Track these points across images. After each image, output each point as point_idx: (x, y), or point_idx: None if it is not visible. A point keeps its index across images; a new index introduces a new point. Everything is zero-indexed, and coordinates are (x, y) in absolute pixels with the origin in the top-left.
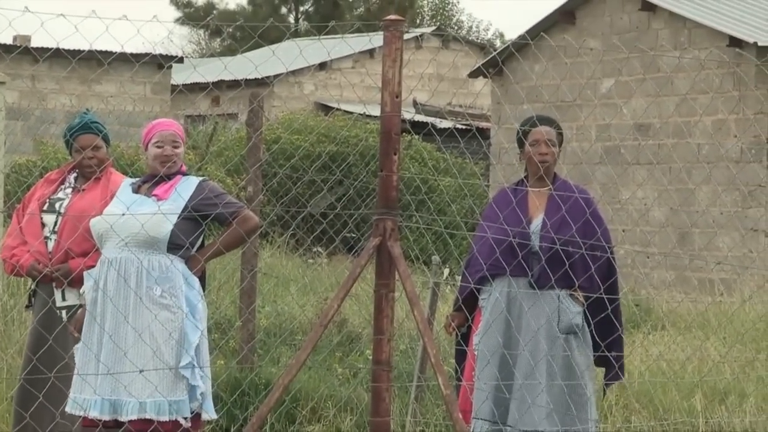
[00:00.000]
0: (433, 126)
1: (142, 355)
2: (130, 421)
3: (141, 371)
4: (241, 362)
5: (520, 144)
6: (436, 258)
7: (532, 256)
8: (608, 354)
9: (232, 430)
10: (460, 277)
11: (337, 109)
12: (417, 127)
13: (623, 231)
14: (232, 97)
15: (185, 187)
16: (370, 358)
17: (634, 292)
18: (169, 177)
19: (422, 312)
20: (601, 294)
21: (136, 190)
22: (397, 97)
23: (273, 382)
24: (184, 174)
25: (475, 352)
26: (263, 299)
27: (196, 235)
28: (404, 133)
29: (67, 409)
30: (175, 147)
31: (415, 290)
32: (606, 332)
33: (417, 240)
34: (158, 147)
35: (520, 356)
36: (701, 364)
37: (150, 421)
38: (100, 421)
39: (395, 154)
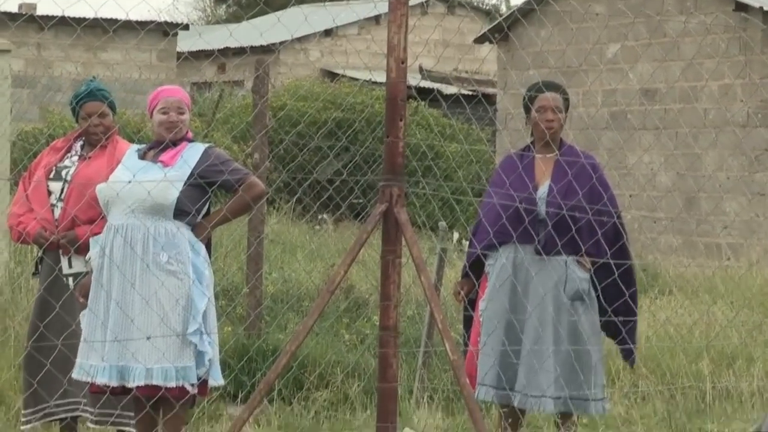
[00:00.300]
0: (439, 92)
1: (149, 322)
2: (137, 388)
3: (148, 338)
4: (249, 329)
5: (527, 110)
6: (442, 224)
7: (538, 223)
8: (616, 319)
9: (239, 396)
10: (467, 244)
11: (343, 76)
12: (423, 93)
13: (630, 196)
14: (238, 64)
15: (191, 154)
16: (377, 324)
17: (641, 257)
18: (174, 143)
19: (429, 278)
20: (607, 259)
21: (143, 156)
22: (402, 63)
23: (280, 349)
24: (190, 141)
25: (481, 318)
26: (270, 266)
27: (202, 202)
28: (410, 100)
29: (74, 375)
30: (180, 113)
31: (422, 256)
32: (616, 298)
33: (423, 206)
34: (163, 113)
35: (526, 322)
36: (708, 328)
37: (157, 388)
38: (107, 387)
39: (401, 121)
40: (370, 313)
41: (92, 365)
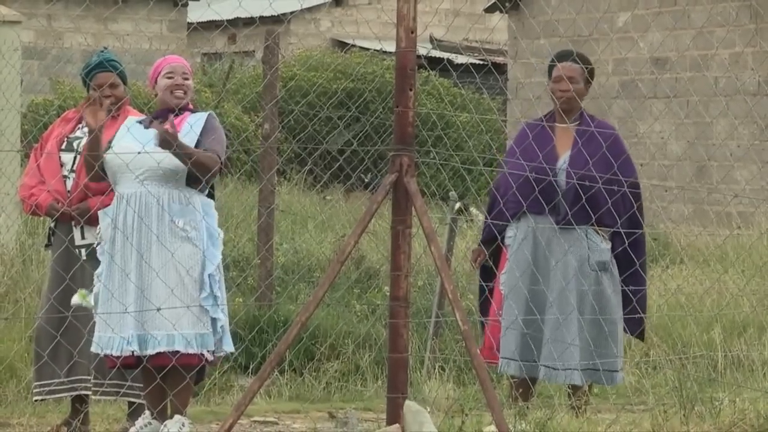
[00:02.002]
0: (450, 61)
1: (168, 289)
2: (152, 357)
3: (158, 309)
4: (259, 300)
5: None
6: (453, 194)
7: (559, 194)
8: (627, 289)
9: (250, 367)
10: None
11: (353, 46)
12: (433, 62)
13: (641, 165)
14: (248, 35)
15: (196, 121)
16: (388, 294)
17: (652, 226)
18: (177, 113)
19: (439, 248)
20: (628, 230)
21: (148, 126)
22: (412, 32)
23: (291, 320)
24: (193, 111)
25: (502, 290)
26: (281, 236)
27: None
28: (420, 69)
29: (93, 350)
30: (185, 79)
31: (432, 226)
32: (628, 269)
33: (434, 176)
34: (169, 77)
35: (550, 293)
36: (719, 297)
37: (168, 358)
38: (124, 357)
39: (411, 90)
40: (381, 283)
41: (110, 337)
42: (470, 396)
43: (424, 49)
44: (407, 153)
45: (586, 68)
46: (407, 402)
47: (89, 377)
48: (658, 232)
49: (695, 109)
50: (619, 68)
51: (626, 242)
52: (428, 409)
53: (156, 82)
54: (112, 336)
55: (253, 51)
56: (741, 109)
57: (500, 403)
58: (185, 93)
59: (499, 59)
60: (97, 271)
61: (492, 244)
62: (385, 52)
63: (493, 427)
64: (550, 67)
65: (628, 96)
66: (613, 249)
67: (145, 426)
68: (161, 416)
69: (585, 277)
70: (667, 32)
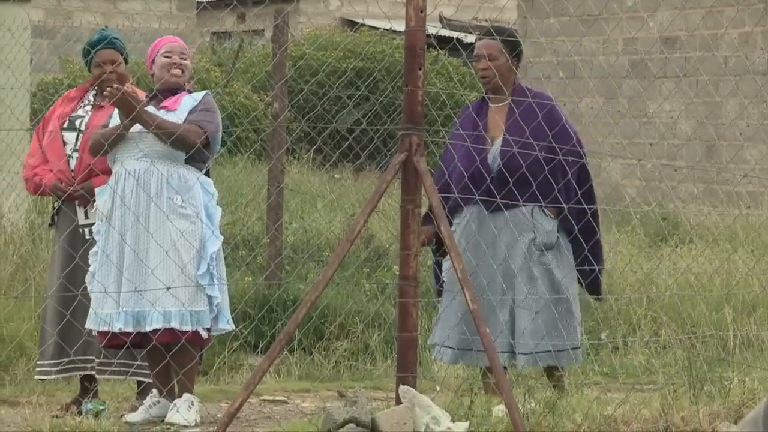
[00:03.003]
0: (459, 41)
1: (165, 266)
2: (153, 334)
3: (154, 286)
4: (269, 279)
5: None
6: None
7: (496, 178)
8: (583, 267)
9: (260, 346)
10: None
11: (363, 25)
12: (443, 42)
13: (650, 145)
14: (258, 14)
15: (194, 99)
16: (397, 273)
17: (661, 206)
18: (174, 93)
19: (448, 227)
20: (572, 205)
21: (148, 103)
22: (421, 11)
23: (300, 299)
24: (190, 92)
25: (444, 278)
26: (290, 216)
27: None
28: (430, 49)
29: (89, 325)
30: (183, 59)
31: (441, 205)
32: (581, 244)
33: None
34: (166, 56)
35: (495, 278)
36: (729, 277)
37: (172, 335)
38: (122, 334)
39: (420, 69)
40: (390, 262)
41: (108, 313)
42: (479, 376)
43: (433, 28)
44: (416, 132)
45: (511, 42)
46: (402, 387)
47: (95, 357)
48: (667, 212)
49: (705, 88)
50: (628, 47)
51: (584, 216)
52: (437, 389)
53: (153, 61)
54: (110, 312)
55: (263, 30)
56: (751, 89)
57: (510, 383)
58: (183, 72)
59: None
60: (92, 251)
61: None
62: (394, 31)
63: (503, 407)
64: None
65: (637, 75)
66: (565, 225)
67: (153, 405)
68: (169, 395)
69: (532, 257)
70: (676, 11)
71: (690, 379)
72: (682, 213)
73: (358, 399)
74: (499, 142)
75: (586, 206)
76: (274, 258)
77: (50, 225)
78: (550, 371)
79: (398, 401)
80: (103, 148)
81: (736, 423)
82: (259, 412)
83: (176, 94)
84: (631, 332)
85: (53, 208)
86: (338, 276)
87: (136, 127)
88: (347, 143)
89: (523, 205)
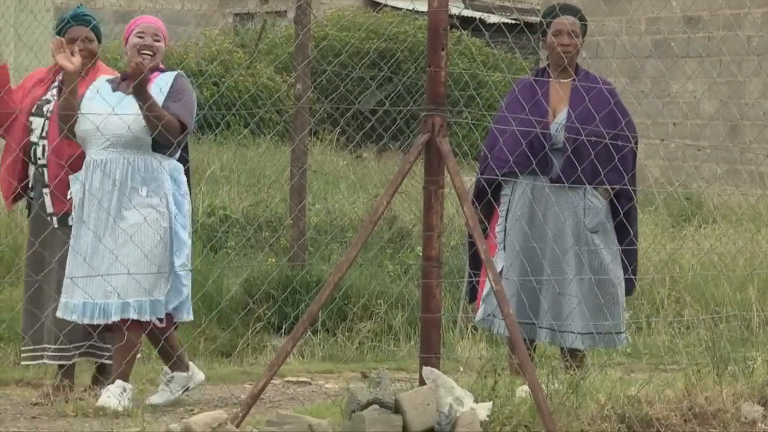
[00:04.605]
0: (482, 21)
1: (128, 256)
2: (114, 323)
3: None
4: (292, 260)
5: (543, 34)
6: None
7: (556, 151)
8: (630, 248)
9: (283, 327)
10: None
11: (386, 6)
12: (465, 22)
13: (673, 124)
14: None
15: (164, 82)
16: (421, 254)
17: (684, 186)
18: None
19: (471, 208)
20: (625, 185)
21: (116, 88)
22: None
23: (324, 280)
24: (162, 71)
25: (496, 242)
26: (313, 197)
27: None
28: (452, 29)
29: (58, 314)
30: (156, 40)
31: (465, 186)
32: (625, 229)
33: (466, 136)
34: (139, 37)
35: (546, 254)
36: (752, 257)
37: (121, 325)
38: (92, 326)
39: (443, 50)
40: (414, 243)
41: (75, 303)
42: (503, 356)
43: (456, 8)
44: (439, 113)
45: (584, 25)
46: (425, 368)
47: (49, 345)
48: (691, 192)
49: (728, 68)
50: (651, 27)
51: (634, 200)
52: (461, 370)
53: (127, 41)
54: (77, 302)
55: (285, 11)
56: None
57: (533, 364)
58: (154, 54)
59: (532, 18)
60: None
61: (483, 199)
62: (417, 12)
63: (526, 387)
64: (548, 22)
65: (660, 55)
66: (614, 208)
67: (170, 381)
68: (175, 367)
69: (580, 237)
70: None
71: (713, 359)
72: (705, 193)
73: (381, 380)
74: (563, 113)
75: (628, 195)
76: (297, 239)
77: (28, 216)
78: (573, 351)
79: (422, 382)
80: (74, 114)
81: (760, 403)
82: (282, 393)
83: (148, 74)
84: (654, 312)
85: (26, 199)
86: (361, 257)
87: (100, 117)
88: (370, 124)
89: (581, 187)
